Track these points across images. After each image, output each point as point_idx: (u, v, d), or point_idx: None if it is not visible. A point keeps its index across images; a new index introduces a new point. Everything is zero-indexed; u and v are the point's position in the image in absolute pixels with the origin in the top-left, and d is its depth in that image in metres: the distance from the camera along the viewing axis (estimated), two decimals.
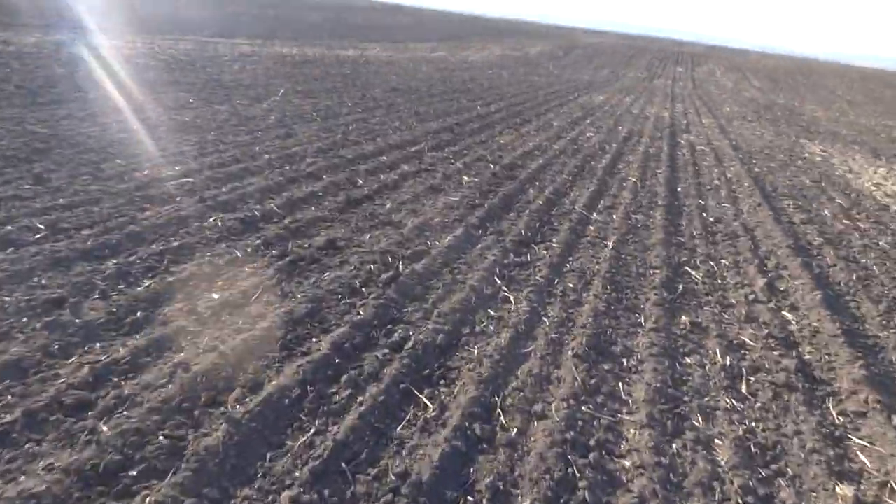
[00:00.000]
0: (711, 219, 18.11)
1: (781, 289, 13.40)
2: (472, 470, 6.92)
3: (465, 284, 11.30)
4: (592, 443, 7.58)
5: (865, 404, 8.85)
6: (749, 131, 38.46)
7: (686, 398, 8.85)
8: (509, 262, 12.67)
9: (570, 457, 7.22)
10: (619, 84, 59.79)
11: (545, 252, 13.58)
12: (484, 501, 6.48)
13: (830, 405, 9.07)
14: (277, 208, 13.98)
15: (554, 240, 14.42)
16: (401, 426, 7.51)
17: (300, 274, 11.03)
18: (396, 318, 9.95)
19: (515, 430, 7.65)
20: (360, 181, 17.00)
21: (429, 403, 7.96)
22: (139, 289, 9.70)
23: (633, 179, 21.13)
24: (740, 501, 6.88)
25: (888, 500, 7.13)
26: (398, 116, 27.38)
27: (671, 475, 7.27)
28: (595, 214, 16.88)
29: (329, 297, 10.23)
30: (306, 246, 12.16)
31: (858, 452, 7.98)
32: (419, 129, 24.82)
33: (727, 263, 14.57)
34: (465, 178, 18.68)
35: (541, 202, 16.95)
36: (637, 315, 11.23)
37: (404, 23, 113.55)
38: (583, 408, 8.26)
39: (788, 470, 7.53)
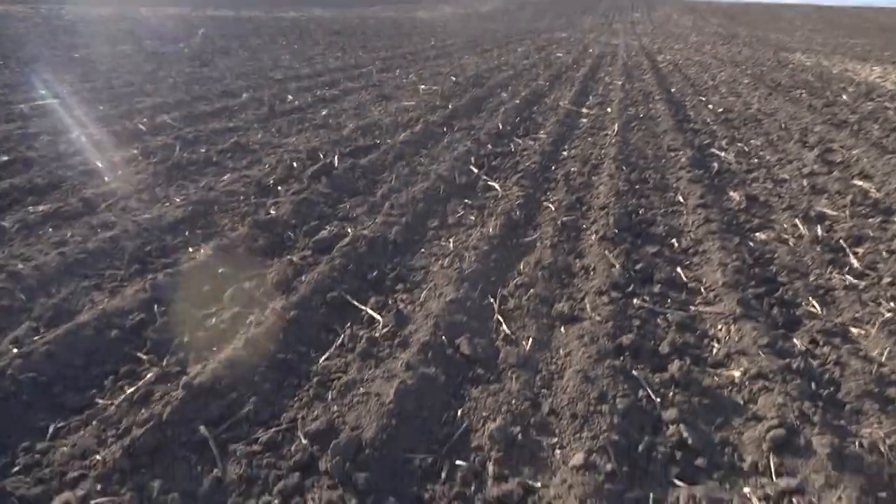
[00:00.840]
0: (720, 109, 15.03)
1: (838, 161, 10.34)
2: (457, 416, 3.71)
3: (429, 175, 7.97)
4: (666, 348, 4.40)
5: None
6: (725, 50, 35.64)
7: (782, 278, 5.71)
8: (487, 153, 9.37)
9: (626, 374, 4.04)
10: (579, 27, 56.58)
11: (532, 142, 10.32)
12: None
13: None
14: (172, 121, 10.43)
15: (541, 132, 11.16)
16: (325, 356, 4.22)
17: (187, 177, 7.58)
18: (327, 214, 6.60)
19: (529, 341, 4.42)
20: (291, 97, 13.46)
21: (376, 315, 4.67)
22: None
23: (620, 82, 17.95)
24: None
25: None
26: (341, 49, 23.73)
27: (812, 384, 4.12)
28: (585, 109, 13.65)
29: (225, 199, 6.81)
30: (202, 150, 8.66)
31: None
32: (366, 58, 21.24)
33: (758, 144, 11.49)
34: (423, 86, 15.28)
35: (517, 101, 13.67)
36: (672, 194, 8.06)
37: None
38: (635, 300, 5.06)
39: None
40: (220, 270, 5.10)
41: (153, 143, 9.03)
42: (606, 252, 5.80)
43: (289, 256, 5.46)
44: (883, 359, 4.44)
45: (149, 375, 3.81)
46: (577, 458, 3.27)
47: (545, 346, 4.44)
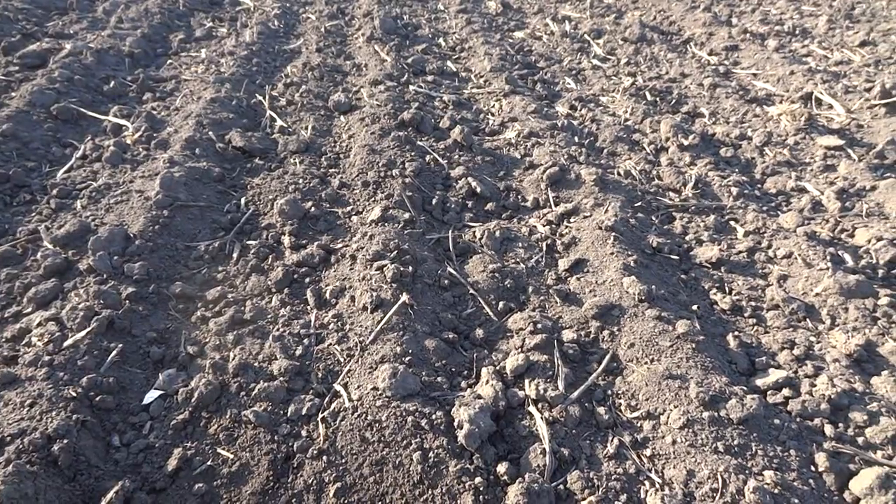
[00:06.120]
0: None
1: None
2: (242, 203, 3.37)
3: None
4: (446, 123, 4.41)
5: (724, 49, 6.93)
6: None
7: (541, 64, 6.03)
8: None
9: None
10: None
11: None
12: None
13: (693, 48, 6.98)
14: None
15: None
16: (65, 169, 3.49)
17: None
18: (32, 31, 5.30)
19: (309, 130, 4.11)
20: None
21: (123, 122, 3.95)
22: None
23: None
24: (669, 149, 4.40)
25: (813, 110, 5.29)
26: None
27: (575, 137, 4.49)
28: None
29: None
30: None
31: (744, 77, 6.02)
32: None
33: None
34: None
35: None
36: (433, 3, 7.91)
37: None
38: (411, 87, 4.95)
39: (702, 110, 5.20)
40: None
41: None
42: (377, 48, 5.55)
43: None
44: (627, 115, 4.98)
45: None
46: (375, 213, 3.19)
47: (326, 132, 4.18)
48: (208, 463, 2.08)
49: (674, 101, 5.42)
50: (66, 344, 2.27)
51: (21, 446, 1.90)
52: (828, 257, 3.12)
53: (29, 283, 2.63)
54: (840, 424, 2.28)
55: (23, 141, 3.58)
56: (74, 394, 2.10)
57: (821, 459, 2.11)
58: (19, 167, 3.39)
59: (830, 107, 4.95)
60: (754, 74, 5.95)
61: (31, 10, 5.66)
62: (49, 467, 1.89)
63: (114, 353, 2.32)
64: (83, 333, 2.31)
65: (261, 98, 4.50)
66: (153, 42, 5.38)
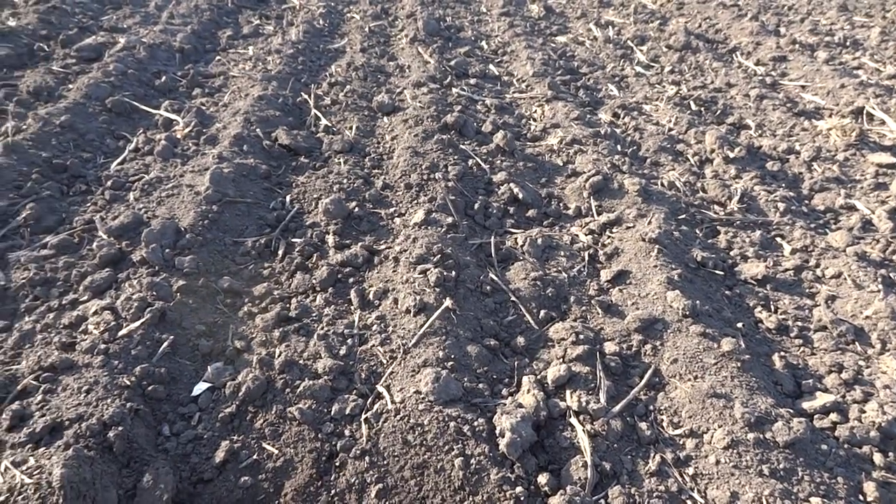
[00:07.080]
0: None
1: None
2: (287, 201, 3.43)
3: None
4: (489, 127, 4.41)
5: (771, 60, 6.80)
6: None
7: (584, 70, 5.99)
8: None
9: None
10: None
11: None
12: None
13: (739, 57, 6.86)
14: None
15: None
16: (118, 161, 3.60)
17: None
18: (88, 25, 5.44)
19: (353, 130, 4.15)
20: None
21: (174, 117, 4.04)
22: None
23: None
24: (718, 167, 4.32)
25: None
26: None
27: (618, 146, 4.45)
28: None
29: None
30: None
31: (792, 89, 5.90)
32: None
33: None
34: None
35: None
36: (476, 5, 7.91)
37: None
38: (454, 90, 4.96)
39: (748, 122, 5.11)
40: None
41: None
42: (420, 50, 5.58)
43: (46, 66, 4.44)
44: (671, 124, 4.92)
45: None
46: (418, 216, 3.22)
47: (370, 133, 4.22)
48: (254, 457, 2.12)
49: (719, 111, 5.34)
50: (120, 333, 2.34)
51: (79, 431, 1.97)
52: (879, 279, 3.05)
53: (85, 271, 2.72)
54: (890, 454, 2.23)
55: (79, 132, 3.69)
56: (128, 382, 2.16)
57: (870, 489, 2.06)
58: (76, 158, 3.49)
59: (882, 122, 4.82)
60: (803, 87, 5.82)
61: (87, 4, 5.82)
62: (105, 453, 1.95)
63: (165, 344, 2.38)
64: (137, 324, 2.38)
65: (306, 97, 4.57)
66: (202, 38, 5.49)
